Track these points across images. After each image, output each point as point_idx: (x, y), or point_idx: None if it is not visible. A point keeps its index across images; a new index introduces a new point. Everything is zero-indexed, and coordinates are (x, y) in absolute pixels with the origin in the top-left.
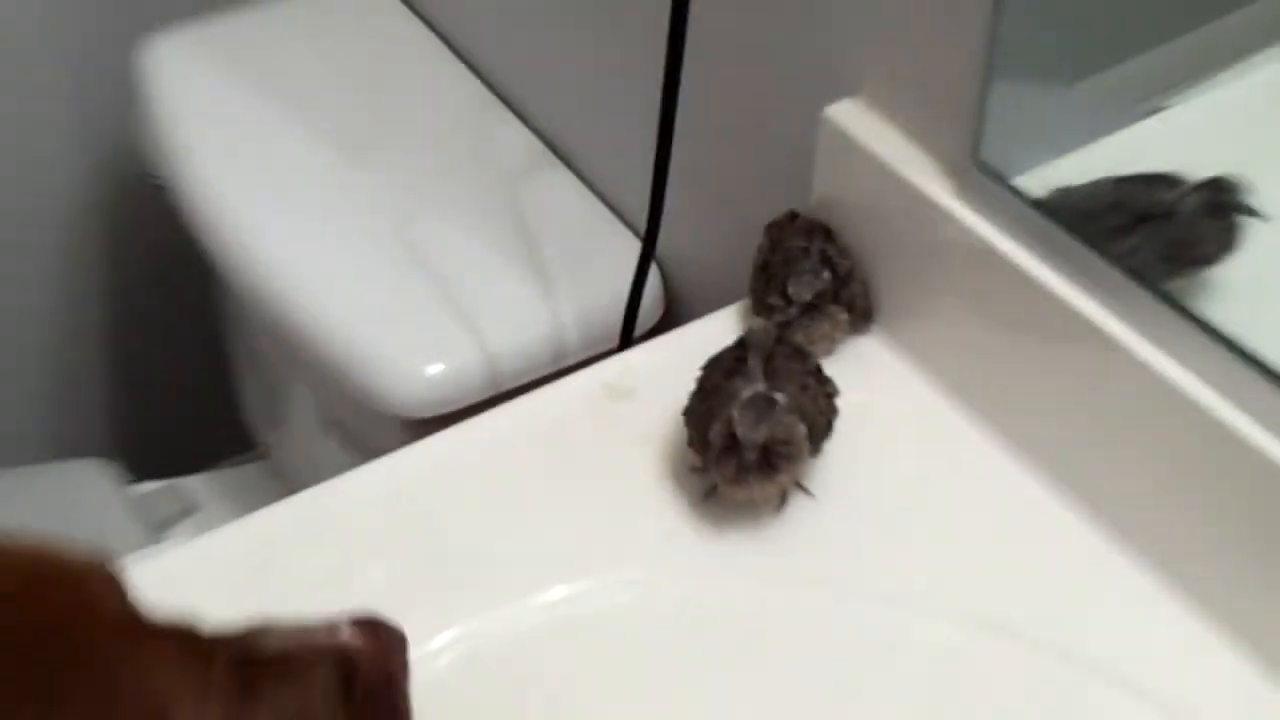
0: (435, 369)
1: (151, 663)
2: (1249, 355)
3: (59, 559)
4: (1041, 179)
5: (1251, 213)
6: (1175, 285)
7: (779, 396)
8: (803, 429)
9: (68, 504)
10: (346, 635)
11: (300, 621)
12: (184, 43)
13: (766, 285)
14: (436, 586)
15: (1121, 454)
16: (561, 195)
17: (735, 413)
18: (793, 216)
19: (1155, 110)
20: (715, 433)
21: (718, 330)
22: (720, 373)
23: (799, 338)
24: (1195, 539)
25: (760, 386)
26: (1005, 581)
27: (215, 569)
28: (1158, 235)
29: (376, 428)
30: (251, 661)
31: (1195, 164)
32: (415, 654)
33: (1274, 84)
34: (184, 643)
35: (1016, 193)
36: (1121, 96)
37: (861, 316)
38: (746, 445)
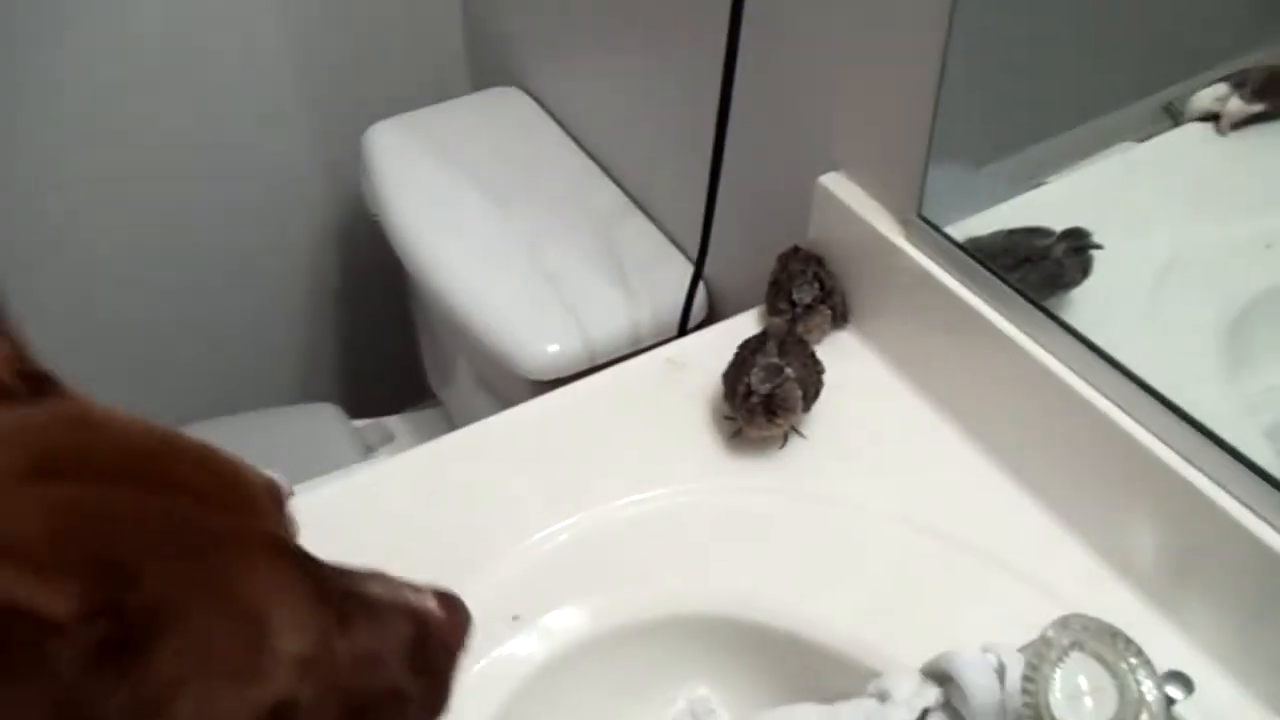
0: (554, 347)
1: (270, 572)
2: (1094, 347)
3: (246, 475)
4: (963, 229)
5: (1097, 246)
6: (1049, 301)
7: (788, 369)
8: (799, 392)
9: (308, 433)
10: (430, 602)
11: (399, 579)
12: (395, 127)
13: (777, 294)
14: (556, 491)
15: (1010, 412)
16: (639, 233)
17: (754, 372)
18: (795, 249)
19: (1038, 184)
20: (741, 385)
21: (744, 325)
22: (748, 350)
23: (800, 330)
24: (1055, 469)
25: (774, 359)
26: (930, 496)
27: (408, 478)
28: (1037, 269)
29: (512, 386)
30: (352, 598)
31: (1063, 219)
32: (544, 533)
33: (1117, 170)
34: (306, 567)
35: (946, 238)
36: (1015, 175)
37: (841, 318)
38: (756, 393)
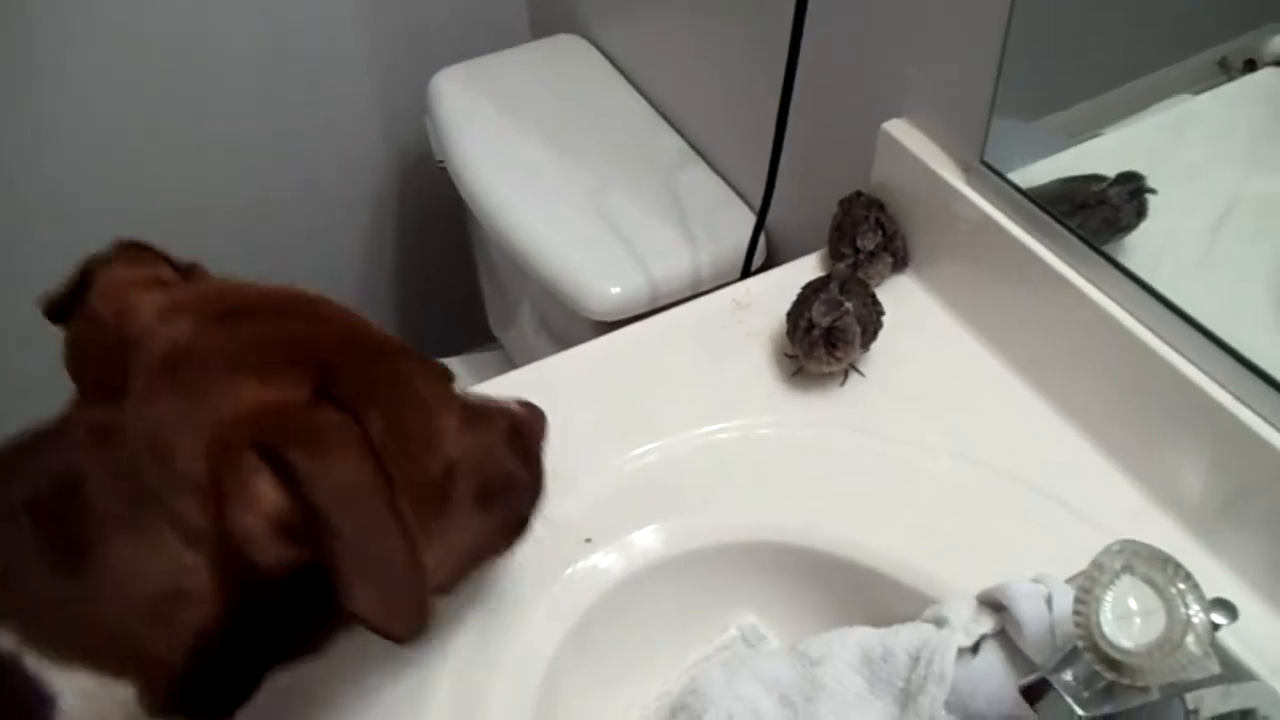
0: (616, 289)
1: (423, 373)
2: (1151, 289)
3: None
4: (1023, 175)
5: (1152, 191)
6: (1106, 246)
7: (848, 304)
8: (858, 328)
9: None
10: (516, 407)
11: (488, 396)
12: (459, 74)
13: (840, 239)
14: (623, 425)
15: (1065, 353)
16: (702, 181)
17: (815, 307)
18: (858, 194)
19: (1094, 135)
20: (803, 320)
21: (804, 269)
22: (811, 289)
23: (861, 274)
24: (1105, 404)
25: (836, 296)
26: (985, 433)
27: None
28: (1095, 214)
29: (574, 327)
30: (465, 404)
31: (1119, 168)
32: (614, 463)
33: (1172, 121)
34: (433, 370)
35: (1009, 183)
36: (1072, 126)
37: (901, 262)
38: (817, 326)
